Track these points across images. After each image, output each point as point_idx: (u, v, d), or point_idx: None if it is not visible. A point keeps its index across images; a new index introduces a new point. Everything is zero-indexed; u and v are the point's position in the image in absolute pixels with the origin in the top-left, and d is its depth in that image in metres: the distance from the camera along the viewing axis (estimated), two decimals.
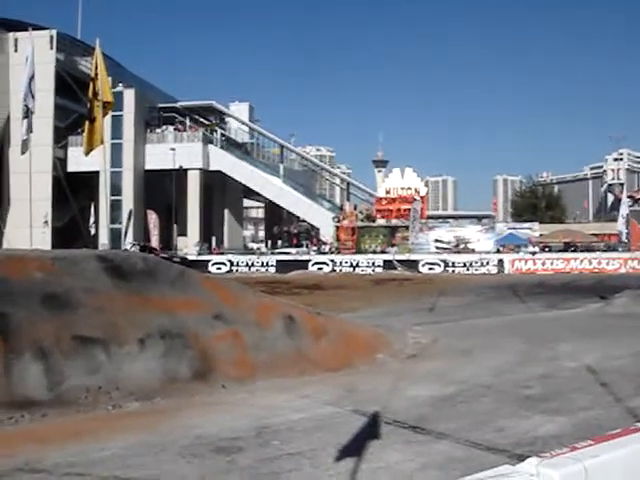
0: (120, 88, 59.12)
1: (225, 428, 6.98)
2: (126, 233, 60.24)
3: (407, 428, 6.95)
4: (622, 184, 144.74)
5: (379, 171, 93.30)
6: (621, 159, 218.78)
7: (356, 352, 11.33)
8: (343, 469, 5.63)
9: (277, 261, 50.11)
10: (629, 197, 55.52)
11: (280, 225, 76.99)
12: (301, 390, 8.90)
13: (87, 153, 17.32)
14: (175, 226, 61.32)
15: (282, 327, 10.67)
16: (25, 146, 24.12)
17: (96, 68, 17.01)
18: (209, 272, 45.63)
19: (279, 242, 71.82)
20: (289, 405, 8.09)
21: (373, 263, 47.96)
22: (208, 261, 50.62)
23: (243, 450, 6.25)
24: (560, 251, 50.04)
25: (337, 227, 59.15)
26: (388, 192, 61.27)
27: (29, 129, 22.97)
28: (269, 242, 72.82)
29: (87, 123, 16.99)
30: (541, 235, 56.31)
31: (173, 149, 59.69)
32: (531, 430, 6.92)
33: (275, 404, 8.19)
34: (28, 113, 22.58)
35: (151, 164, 62.96)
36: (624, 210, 49.09)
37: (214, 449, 6.27)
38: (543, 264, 45.34)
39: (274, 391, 8.86)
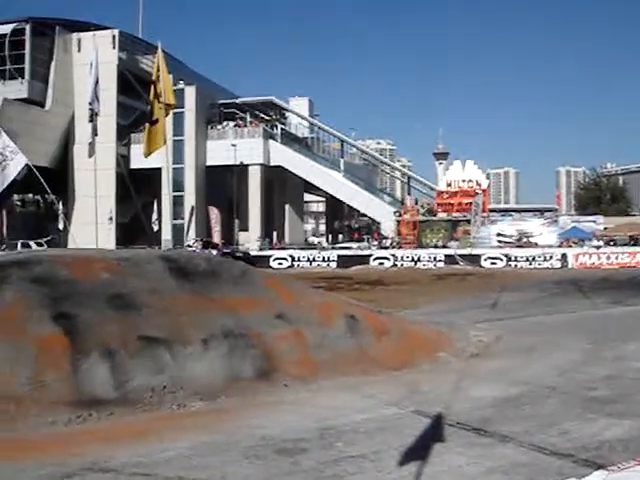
0: (181, 85, 59.94)
1: (288, 429, 7.01)
2: (188, 229, 61.06)
3: (470, 430, 6.90)
4: None
5: (440, 164, 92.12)
6: None
7: (418, 351, 11.28)
8: (406, 472, 5.62)
9: (338, 256, 50.06)
10: None
11: (341, 219, 77.07)
12: (363, 390, 8.89)
13: (147, 155, 17.51)
14: (237, 221, 61.81)
15: (344, 326, 10.68)
16: (92, 149, 24.58)
17: (158, 70, 17.19)
18: (270, 267, 46.03)
19: (340, 236, 71.89)
20: (352, 405, 8.09)
21: (435, 258, 47.67)
22: (269, 256, 50.86)
23: (306, 451, 6.27)
24: (625, 245, 49.00)
25: (398, 221, 58.95)
26: (449, 185, 60.73)
27: (94, 131, 23.36)
28: (330, 236, 72.98)
29: (147, 125, 17.16)
30: (605, 228, 55.25)
31: (234, 145, 60.11)
32: (597, 434, 6.80)
33: (338, 404, 8.20)
34: (93, 116, 22.96)
35: (212, 160, 63.61)
36: None
37: (277, 450, 6.31)
38: (608, 258, 44.52)
39: (337, 390, 8.88)
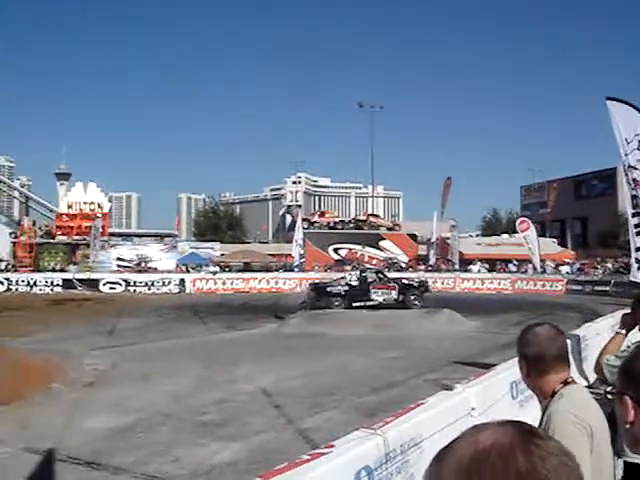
0: None
1: None
2: None
3: (82, 464, 6.75)
4: (300, 206, 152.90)
5: (61, 184, 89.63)
6: (299, 182, 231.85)
7: (29, 382, 10.76)
8: None
9: None
10: (304, 220, 58.59)
11: None
12: None
13: None
14: None
15: None
16: None
17: None
18: None
19: None
20: None
21: (52, 282, 45.72)
22: None
23: None
24: (240, 271, 51.39)
25: (14, 243, 55.95)
26: (70, 207, 59.16)
27: None
28: None
29: None
30: (222, 255, 57.59)
31: None
32: (208, 458, 7.04)
33: None
34: None
35: None
36: (299, 233, 51.76)
37: None
38: (224, 283, 46.22)
39: None
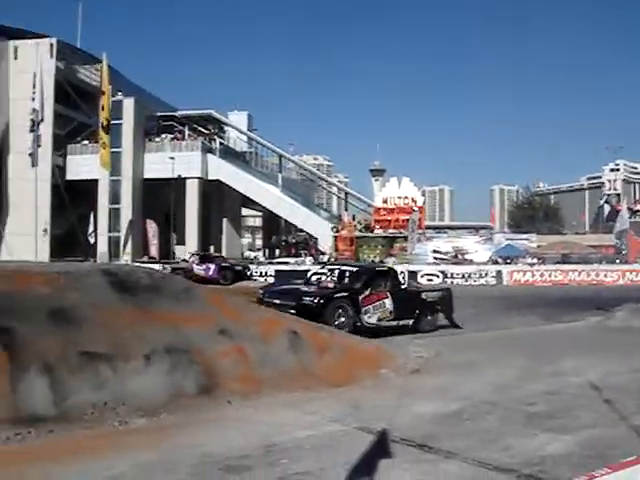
0: (119, 97, 59.24)
1: (233, 446, 6.92)
2: (126, 242, 60.08)
3: (415, 446, 6.93)
4: (619, 195, 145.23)
5: (376, 180, 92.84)
6: (618, 170, 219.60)
7: (359, 367, 11.32)
8: None
9: (276, 271, 49.44)
10: (628, 209, 55.60)
11: (278, 234, 76.88)
12: (306, 406, 8.87)
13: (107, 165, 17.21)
14: (174, 235, 61.13)
15: (286, 342, 10.66)
16: (35, 159, 23.91)
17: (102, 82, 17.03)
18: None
19: (277, 251, 71.74)
20: (295, 422, 8.06)
21: None
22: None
23: (251, 469, 6.20)
24: (557, 263, 49.99)
25: (335, 237, 59.00)
26: (385, 201, 60.98)
27: (36, 142, 22.82)
28: (267, 251, 72.75)
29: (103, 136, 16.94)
30: (539, 246, 56.34)
31: (172, 158, 59.24)
32: (538, 449, 6.90)
33: (281, 421, 8.15)
34: (35, 126, 22.44)
35: (151, 173, 62.49)
36: (623, 222, 49.16)
37: (223, 468, 6.22)
38: (541, 275, 45.32)
39: (279, 407, 8.84)
